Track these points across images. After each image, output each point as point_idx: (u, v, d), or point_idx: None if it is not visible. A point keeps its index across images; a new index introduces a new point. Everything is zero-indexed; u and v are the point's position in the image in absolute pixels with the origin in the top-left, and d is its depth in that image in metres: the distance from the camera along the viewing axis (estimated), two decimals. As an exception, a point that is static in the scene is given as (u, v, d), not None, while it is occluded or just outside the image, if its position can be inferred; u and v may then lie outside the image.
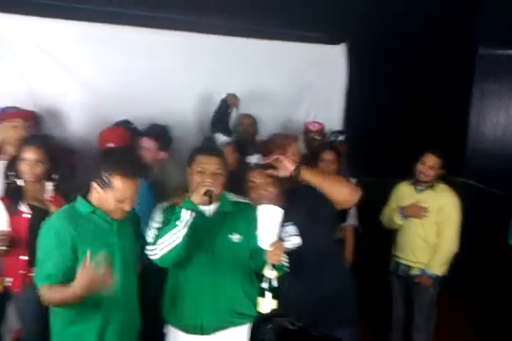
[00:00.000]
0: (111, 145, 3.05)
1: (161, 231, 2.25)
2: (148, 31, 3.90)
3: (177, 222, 2.19)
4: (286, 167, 2.38)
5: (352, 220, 3.57)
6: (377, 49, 4.63)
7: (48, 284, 2.04)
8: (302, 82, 4.40)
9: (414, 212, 3.46)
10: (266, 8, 4.34)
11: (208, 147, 2.50)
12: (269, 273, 2.15)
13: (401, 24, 4.70)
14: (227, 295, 2.34)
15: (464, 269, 4.02)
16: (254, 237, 2.23)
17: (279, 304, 2.12)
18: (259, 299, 2.14)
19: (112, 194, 2.08)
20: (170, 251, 2.21)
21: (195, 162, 2.33)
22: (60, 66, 3.71)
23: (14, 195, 2.71)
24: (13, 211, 2.68)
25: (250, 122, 4.00)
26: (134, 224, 2.35)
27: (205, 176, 2.28)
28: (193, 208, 2.20)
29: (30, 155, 2.71)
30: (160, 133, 3.32)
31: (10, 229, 2.64)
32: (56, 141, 3.39)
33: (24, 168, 2.70)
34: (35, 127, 3.40)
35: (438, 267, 3.43)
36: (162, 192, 2.90)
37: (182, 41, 3.98)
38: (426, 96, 4.87)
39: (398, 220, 3.54)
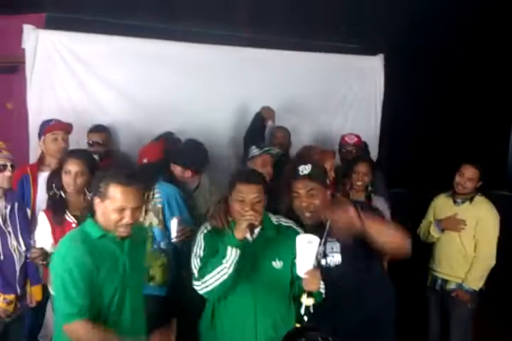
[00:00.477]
0: (145, 160, 3.08)
1: (207, 267, 2.27)
2: (186, 45, 3.96)
3: (223, 260, 2.22)
4: (354, 221, 2.28)
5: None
6: (415, 60, 4.59)
7: (82, 319, 1.97)
8: (338, 93, 4.41)
9: (451, 225, 3.42)
10: (303, 21, 4.38)
11: (247, 174, 2.46)
12: (306, 300, 2.16)
13: (443, 34, 4.64)
14: (266, 324, 2.34)
15: (502, 284, 3.90)
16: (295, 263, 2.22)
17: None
18: (297, 325, 2.16)
19: (109, 205, 2.06)
20: (215, 287, 2.25)
21: (234, 190, 2.32)
22: (102, 81, 3.81)
23: (58, 207, 2.79)
24: (58, 222, 2.75)
25: (284, 135, 3.97)
26: (143, 243, 2.35)
27: (245, 205, 2.28)
28: (237, 246, 2.22)
29: (72, 167, 2.78)
30: (178, 153, 3.24)
31: (53, 241, 2.71)
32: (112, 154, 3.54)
33: (67, 179, 2.78)
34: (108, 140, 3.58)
35: (475, 281, 3.37)
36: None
37: (218, 55, 4.03)
38: (466, 107, 4.79)
39: (435, 233, 3.50)
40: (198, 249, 2.36)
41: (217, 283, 2.24)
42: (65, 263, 2.02)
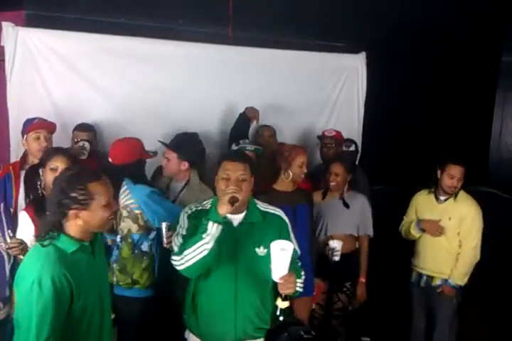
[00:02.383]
0: (110, 160, 2.95)
1: (187, 243, 2.23)
2: (172, 44, 3.94)
3: (203, 235, 2.17)
4: None
5: (368, 230, 3.53)
6: (397, 58, 4.61)
7: None
8: (322, 91, 4.42)
9: (431, 229, 3.44)
10: (286, 19, 4.38)
11: (234, 153, 2.44)
12: (282, 303, 2.18)
13: (422, 33, 4.69)
14: (246, 307, 2.34)
15: (486, 281, 3.94)
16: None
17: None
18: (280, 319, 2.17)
19: (97, 204, 1.95)
20: (195, 264, 2.21)
21: (220, 168, 2.31)
22: (85, 80, 3.77)
23: (40, 204, 2.70)
24: (40, 220, 2.65)
25: (270, 134, 3.98)
26: (103, 248, 2.24)
27: (230, 183, 2.25)
28: (219, 221, 2.18)
29: (59, 164, 2.73)
30: (180, 142, 3.19)
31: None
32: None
33: (53, 176, 2.62)
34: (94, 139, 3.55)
35: (461, 277, 3.40)
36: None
37: (201, 53, 4.01)
38: (447, 104, 4.84)
39: (415, 233, 3.52)
40: (181, 228, 2.35)
41: (197, 258, 2.19)
42: (42, 291, 1.83)
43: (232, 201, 2.19)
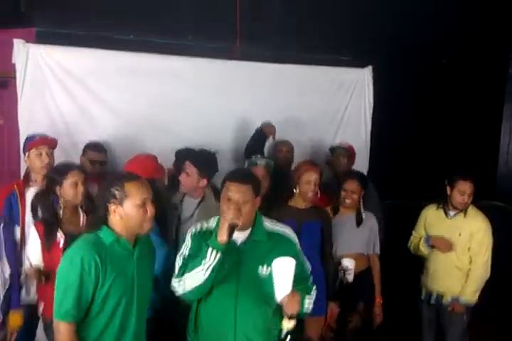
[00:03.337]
0: None
1: (187, 267, 2.24)
2: (184, 59, 3.97)
3: (202, 261, 2.17)
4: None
5: (377, 249, 3.51)
6: (403, 71, 4.64)
7: (67, 322, 2.06)
8: (329, 105, 4.44)
9: (440, 245, 3.42)
10: (292, 34, 4.42)
11: (237, 173, 2.39)
12: (287, 324, 2.16)
13: (428, 46, 4.72)
14: (247, 329, 2.31)
15: (496, 297, 3.92)
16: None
17: None
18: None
19: (130, 203, 2.12)
20: (193, 289, 2.23)
21: (224, 188, 2.30)
22: (95, 96, 3.80)
23: (51, 224, 2.75)
24: (50, 238, 2.71)
25: (288, 149, 4.00)
26: (151, 256, 2.36)
27: (231, 204, 2.23)
28: (218, 248, 2.16)
29: (78, 177, 2.78)
30: (203, 159, 3.17)
31: (42, 257, 2.69)
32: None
33: (75, 191, 2.76)
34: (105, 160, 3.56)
35: (471, 294, 3.37)
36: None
37: (212, 68, 4.04)
38: (455, 118, 4.85)
39: (424, 249, 3.51)
40: (185, 248, 2.34)
41: (195, 284, 2.21)
42: (72, 264, 2.06)
43: (232, 228, 2.18)
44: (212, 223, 2.36)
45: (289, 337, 2.15)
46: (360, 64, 4.48)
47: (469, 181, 3.33)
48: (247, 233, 2.32)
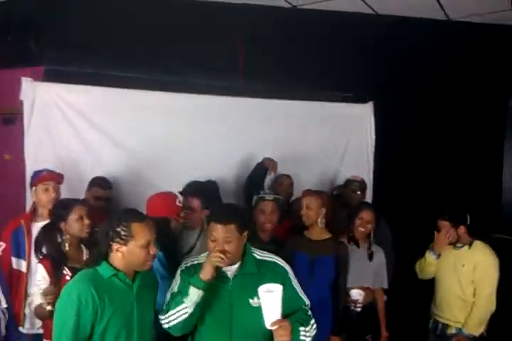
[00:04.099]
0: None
1: (171, 304, 2.27)
2: (186, 96, 4.03)
3: (184, 299, 2.20)
4: None
5: (384, 283, 3.49)
6: (404, 106, 4.70)
7: None
8: (331, 140, 4.46)
9: (437, 242, 3.42)
10: (294, 71, 4.52)
11: (220, 213, 2.39)
12: None
13: (428, 81, 4.80)
14: None
15: (504, 331, 3.84)
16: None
17: None
18: None
19: (135, 243, 2.12)
20: (177, 324, 2.25)
21: (209, 229, 2.33)
22: (101, 132, 3.84)
23: (58, 259, 2.73)
24: (57, 275, 2.68)
25: (289, 183, 4.02)
26: (152, 289, 2.35)
27: (216, 244, 2.25)
28: (200, 287, 2.19)
29: (82, 211, 2.79)
30: (203, 190, 3.22)
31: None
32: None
33: (80, 225, 2.77)
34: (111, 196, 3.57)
35: (475, 327, 3.32)
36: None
37: (219, 105, 4.10)
38: (457, 152, 4.87)
39: (431, 259, 3.48)
40: (174, 283, 2.36)
41: (178, 320, 2.24)
42: (68, 302, 2.05)
43: (214, 269, 2.21)
44: (201, 258, 2.37)
45: None
46: (362, 99, 4.54)
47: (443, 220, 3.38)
48: (236, 266, 2.34)
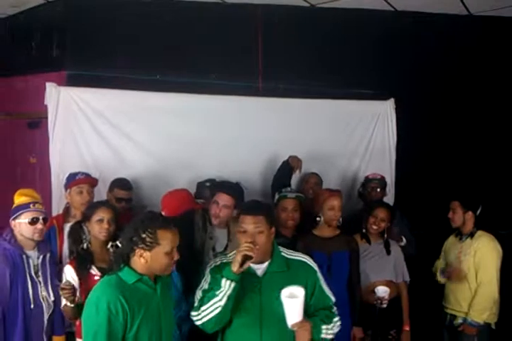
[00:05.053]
0: (163, 213, 2.96)
1: (204, 299, 2.28)
2: (206, 98, 4.07)
3: (217, 292, 2.22)
4: None
5: (406, 277, 3.51)
6: (425, 103, 4.66)
7: None
8: (352, 138, 4.45)
9: (452, 274, 3.47)
10: (314, 70, 4.51)
11: (249, 205, 2.45)
12: None
13: (448, 76, 4.75)
14: None
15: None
16: (307, 296, 2.25)
17: None
18: None
19: (159, 249, 2.10)
20: (210, 320, 2.25)
21: (239, 222, 2.36)
22: (124, 135, 3.91)
23: (83, 258, 2.82)
24: (83, 274, 2.77)
25: (316, 181, 4.01)
26: (170, 290, 2.39)
27: (247, 236, 2.28)
28: (232, 278, 2.21)
29: (105, 214, 2.85)
30: (238, 190, 3.28)
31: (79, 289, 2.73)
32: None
33: (99, 228, 2.84)
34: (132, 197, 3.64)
35: (478, 314, 3.34)
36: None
37: (241, 105, 4.13)
38: (479, 148, 4.80)
39: (440, 279, 3.58)
40: (204, 281, 2.38)
41: (211, 315, 2.24)
42: (98, 312, 2.02)
43: (245, 259, 2.21)
44: (231, 257, 2.39)
45: None
46: (383, 97, 4.51)
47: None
48: (265, 265, 2.36)
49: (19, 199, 2.86)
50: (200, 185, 3.67)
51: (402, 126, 4.48)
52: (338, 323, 2.40)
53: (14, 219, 2.81)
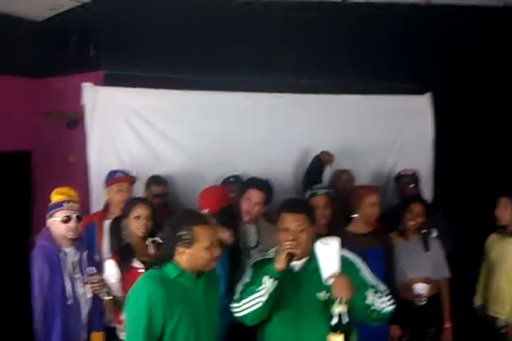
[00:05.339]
0: (206, 210, 2.97)
1: (245, 293, 2.31)
2: (239, 95, 4.09)
3: (258, 288, 2.24)
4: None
5: (446, 273, 3.44)
6: (463, 96, 4.57)
7: None
8: (388, 133, 4.39)
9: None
10: (348, 64, 4.46)
11: (291, 203, 2.47)
12: (337, 307, 2.10)
13: (486, 69, 4.64)
14: None
15: None
16: None
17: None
18: (329, 336, 2.10)
19: (199, 246, 2.13)
20: (250, 313, 2.28)
21: (279, 219, 2.37)
22: (160, 133, 3.96)
23: (125, 253, 2.88)
24: (125, 268, 2.83)
25: (348, 178, 3.98)
26: (216, 286, 2.39)
27: (288, 234, 2.29)
28: (273, 276, 2.22)
29: (142, 211, 2.91)
30: (268, 186, 3.31)
31: (121, 288, 2.79)
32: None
33: (137, 224, 2.90)
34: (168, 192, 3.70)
35: None
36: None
37: (274, 102, 4.13)
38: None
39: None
40: (245, 276, 2.42)
41: (251, 309, 2.27)
42: (138, 303, 2.08)
43: (289, 257, 2.22)
44: (272, 253, 2.43)
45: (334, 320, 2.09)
46: (420, 91, 4.44)
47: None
48: (304, 260, 2.37)
49: (55, 197, 2.90)
50: (225, 181, 3.71)
51: (440, 121, 4.39)
52: (391, 302, 2.33)
53: (49, 217, 2.86)
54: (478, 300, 3.56)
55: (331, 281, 2.16)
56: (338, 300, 2.12)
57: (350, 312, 2.11)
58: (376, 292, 2.30)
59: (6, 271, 3.22)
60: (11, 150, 4.06)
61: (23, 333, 2.65)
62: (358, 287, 2.22)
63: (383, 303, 2.30)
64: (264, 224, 3.25)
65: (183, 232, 2.12)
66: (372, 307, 2.25)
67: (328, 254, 2.14)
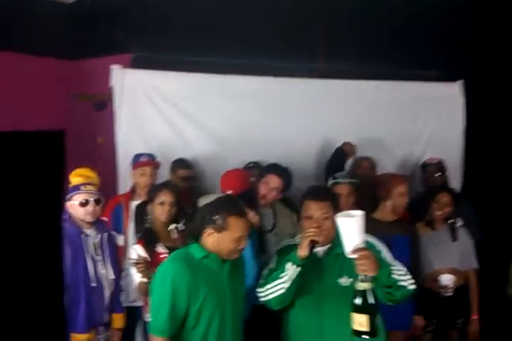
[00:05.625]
0: (230, 192, 3.00)
1: (269, 278, 2.34)
2: (265, 80, 4.06)
3: (281, 275, 2.26)
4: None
5: (473, 263, 3.38)
6: (495, 84, 4.44)
7: (161, 337, 2.11)
8: (417, 121, 4.33)
9: None
10: (378, 50, 4.38)
11: (315, 191, 2.48)
12: (360, 285, 2.05)
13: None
14: (332, 338, 2.31)
15: None
16: None
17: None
18: (352, 315, 2.06)
19: (228, 235, 2.15)
20: (273, 298, 2.31)
21: (303, 207, 2.39)
22: (187, 117, 3.96)
23: (150, 237, 2.90)
24: (150, 252, 2.84)
25: (369, 165, 3.93)
26: (242, 268, 2.40)
27: (312, 222, 2.31)
28: (296, 263, 2.23)
29: (167, 198, 2.93)
30: (287, 173, 3.30)
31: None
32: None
33: (160, 210, 2.92)
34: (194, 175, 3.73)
35: None
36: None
37: (297, 88, 4.09)
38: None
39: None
40: (271, 261, 2.46)
41: (275, 294, 2.29)
42: (163, 283, 2.11)
43: (312, 244, 2.22)
44: (297, 239, 2.42)
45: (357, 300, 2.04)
46: (451, 78, 4.34)
47: None
48: (327, 246, 2.38)
49: (73, 179, 2.90)
50: (245, 167, 3.72)
51: (471, 110, 4.30)
52: (413, 280, 2.30)
53: (68, 200, 2.86)
54: (511, 291, 3.49)
55: (354, 255, 2.09)
56: (363, 276, 2.06)
57: (374, 292, 2.06)
58: (399, 270, 2.28)
59: (39, 252, 3.27)
60: (45, 129, 4.11)
61: (55, 308, 2.68)
62: (382, 263, 2.20)
63: (408, 280, 2.29)
64: (280, 207, 3.27)
65: (217, 217, 2.14)
66: (398, 283, 2.23)
67: (351, 227, 2.08)
